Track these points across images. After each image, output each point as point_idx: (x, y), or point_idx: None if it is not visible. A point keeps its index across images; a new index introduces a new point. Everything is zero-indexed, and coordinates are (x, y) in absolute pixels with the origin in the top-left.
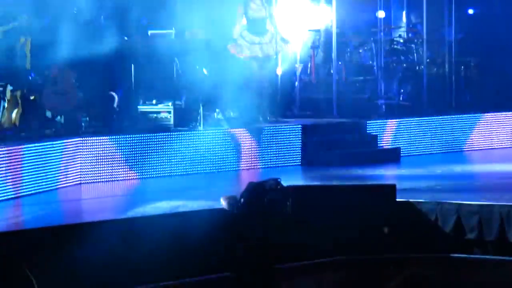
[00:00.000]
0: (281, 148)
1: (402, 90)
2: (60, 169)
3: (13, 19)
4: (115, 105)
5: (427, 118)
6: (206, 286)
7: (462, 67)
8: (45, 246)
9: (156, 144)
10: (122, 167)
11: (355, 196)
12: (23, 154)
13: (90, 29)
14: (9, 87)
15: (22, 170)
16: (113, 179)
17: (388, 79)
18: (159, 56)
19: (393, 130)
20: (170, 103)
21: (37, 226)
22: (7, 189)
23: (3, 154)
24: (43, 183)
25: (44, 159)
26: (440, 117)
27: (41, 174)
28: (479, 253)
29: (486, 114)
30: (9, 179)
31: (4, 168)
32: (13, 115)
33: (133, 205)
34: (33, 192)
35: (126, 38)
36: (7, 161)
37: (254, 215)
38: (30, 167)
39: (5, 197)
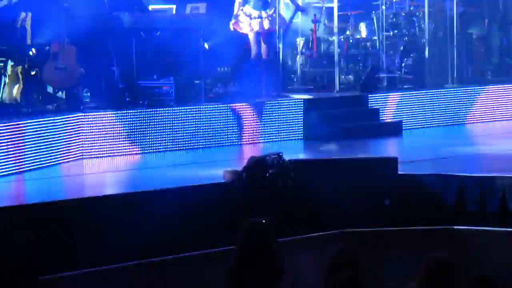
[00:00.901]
0: (283, 123)
1: (403, 64)
2: (62, 145)
3: None
4: (116, 80)
5: (429, 91)
6: (210, 259)
7: (464, 40)
8: (48, 221)
9: (158, 119)
10: (124, 142)
11: (357, 169)
12: (24, 130)
13: (92, 4)
14: (10, 63)
15: (24, 146)
16: (115, 154)
17: (389, 53)
18: (160, 31)
19: (395, 103)
20: (171, 78)
21: (39, 201)
22: (9, 164)
23: (5, 129)
24: (45, 158)
25: (45, 134)
26: (442, 90)
27: (43, 150)
28: (481, 224)
29: (488, 86)
30: (11, 154)
31: (5, 144)
32: (14, 90)
33: (135, 180)
34: (35, 167)
35: (126, 13)
36: (9, 137)
37: (256, 189)
38: (31, 143)
39: (8, 173)
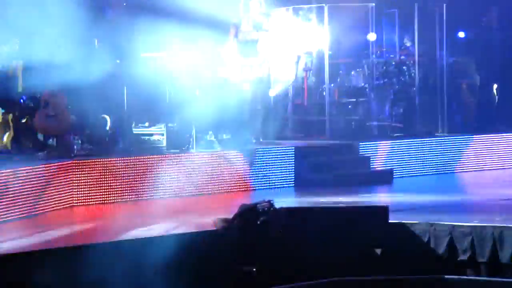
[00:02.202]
0: (274, 170)
1: (394, 112)
2: (53, 192)
3: (4, 43)
4: (107, 127)
5: (419, 139)
6: None
7: (454, 89)
8: (41, 268)
9: (149, 166)
10: (115, 189)
11: (348, 217)
12: (14, 177)
13: (83, 52)
14: (1, 110)
15: (14, 193)
16: (105, 201)
17: (380, 101)
18: (151, 78)
19: (386, 151)
20: (162, 125)
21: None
22: (1, 212)
23: None
24: (36, 206)
25: (36, 182)
26: (432, 139)
27: (33, 197)
28: (472, 274)
29: (478, 136)
30: (2, 202)
31: None
32: (5, 138)
33: (126, 228)
34: (25, 215)
35: (118, 61)
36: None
37: (247, 237)
38: (22, 190)
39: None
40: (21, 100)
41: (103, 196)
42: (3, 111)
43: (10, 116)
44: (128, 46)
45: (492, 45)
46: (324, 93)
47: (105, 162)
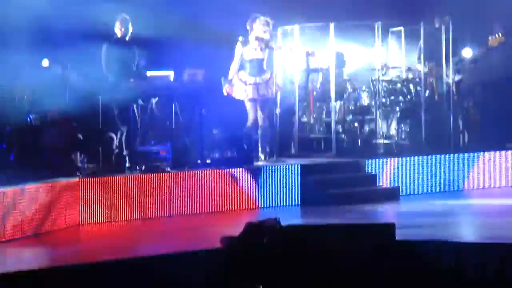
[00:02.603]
0: (280, 188)
1: (400, 130)
2: (59, 210)
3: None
4: (114, 146)
5: (425, 157)
6: None
7: (460, 107)
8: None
9: (155, 184)
10: (121, 207)
11: (354, 235)
12: (21, 196)
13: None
14: (8, 129)
15: (20, 211)
16: (112, 219)
17: (386, 119)
18: (158, 97)
19: (392, 169)
20: (168, 144)
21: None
22: (7, 230)
23: (3, 195)
24: (42, 224)
25: (42, 200)
26: (439, 156)
27: (40, 215)
28: None
29: (484, 153)
30: (7, 220)
31: (2, 210)
32: (11, 156)
33: (133, 246)
34: (32, 233)
35: (125, 79)
36: (6, 203)
37: (253, 255)
38: (29, 208)
39: (5, 239)
40: (28, 119)
41: (110, 214)
42: (10, 129)
43: (17, 134)
44: (134, 65)
45: (497, 63)
46: (331, 111)
47: (111, 180)
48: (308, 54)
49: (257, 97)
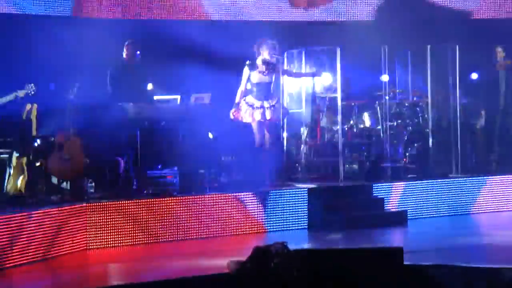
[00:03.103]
0: (288, 212)
1: (407, 153)
2: (67, 235)
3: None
4: (121, 170)
5: (433, 181)
6: None
7: (467, 130)
8: None
9: (163, 209)
10: (128, 232)
11: (362, 259)
12: (28, 221)
13: (97, 95)
14: (15, 154)
15: (28, 237)
16: (120, 244)
17: (393, 142)
18: (164, 121)
19: (400, 193)
20: (176, 168)
21: None
22: (14, 255)
23: (10, 221)
24: (50, 249)
25: (49, 225)
26: (446, 179)
27: (47, 240)
28: None
29: (492, 176)
30: (16, 246)
31: (10, 235)
32: (19, 182)
33: (140, 271)
34: (39, 259)
35: (131, 103)
36: (13, 228)
37: (261, 279)
38: (36, 234)
39: (13, 264)
40: (35, 143)
41: (117, 239)
42: (17, 154)
43: (24, 159)
44: (142, 89)
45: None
46: (337, 135)
47: (118, 205)
48: (314, 75)
49: (264, 120)
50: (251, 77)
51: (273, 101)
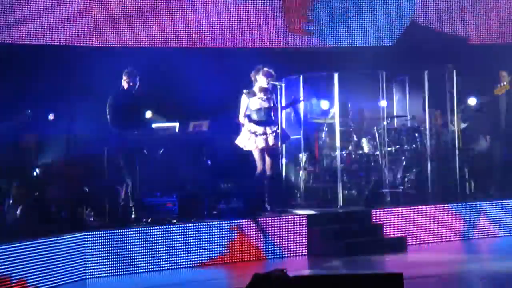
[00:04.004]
0: (287, 238)
1: (406, 179)
2: (65, 264)
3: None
4: (120, 199)
5: (432, 206)
6: None
7: (466, 155)
8: None
9: (162, 236)
10: (128, 261)
11: (362, 285)
12: (28, 250)
13: (95, 124)
14: (14, 184)
15: (27, 267)
16: (119, 273)
17: (392, 168)
18: (163, 148)
19: (399, 219)
20: (174, 195)
21: None
22: (12, 285)
23: (9, 250)
24: (48, 279)
25: (48, 254)
26: (446, 205)
27: (46, 270)
28: None
29: (491, 202)
30: (14, 276)
31: (9, 265)
32: (18, 211)
33: None
34: None
35: (130, 132)
36: (13, 258)
37: None
38: (35, 263)
39: None
40: (34, 173)
41: (116, 268)
42: (17, 184)
43: (23, 189)
44: (141, 117)
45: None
46: (336, 161)
47: (118, 234)
48: (295, 101)
49: (266, 146)
50: (250, 104)
51: (275, 127)
